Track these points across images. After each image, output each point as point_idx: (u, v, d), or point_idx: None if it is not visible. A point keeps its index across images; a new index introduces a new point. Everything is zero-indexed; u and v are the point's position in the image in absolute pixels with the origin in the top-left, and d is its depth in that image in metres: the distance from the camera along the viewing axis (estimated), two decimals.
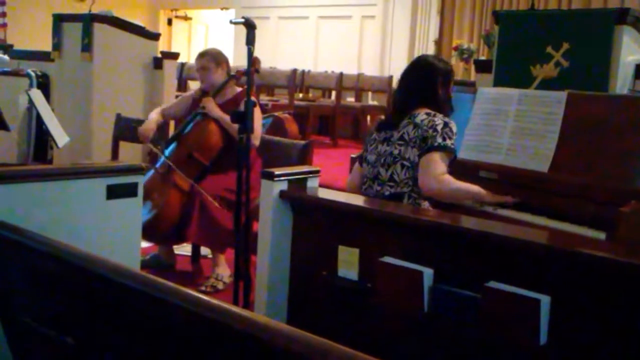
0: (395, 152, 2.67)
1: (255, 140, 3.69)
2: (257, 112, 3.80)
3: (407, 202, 2.63)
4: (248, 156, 2.71)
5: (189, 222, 3.58)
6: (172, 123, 4.48)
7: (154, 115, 4.04)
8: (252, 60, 3.74)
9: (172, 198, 3.62)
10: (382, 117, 2.93)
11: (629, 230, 2.31)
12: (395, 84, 8.77)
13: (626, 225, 2.32)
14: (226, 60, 3.94)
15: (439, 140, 2.59)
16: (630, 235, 2.30)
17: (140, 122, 4.16)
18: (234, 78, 3.85)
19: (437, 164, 2.58)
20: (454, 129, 2.66)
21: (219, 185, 3.66)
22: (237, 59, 9.54)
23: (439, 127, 2.61)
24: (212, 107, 3.75)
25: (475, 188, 2.67)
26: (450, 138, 2.62)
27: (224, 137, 3.74)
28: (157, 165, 3.79)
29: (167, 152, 3.86)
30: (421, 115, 2.67)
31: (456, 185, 2.62)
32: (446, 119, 2.66)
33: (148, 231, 3.66)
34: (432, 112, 2.68)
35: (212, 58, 3.85)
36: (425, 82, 2.76)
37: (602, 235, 2.39)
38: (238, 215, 2.69)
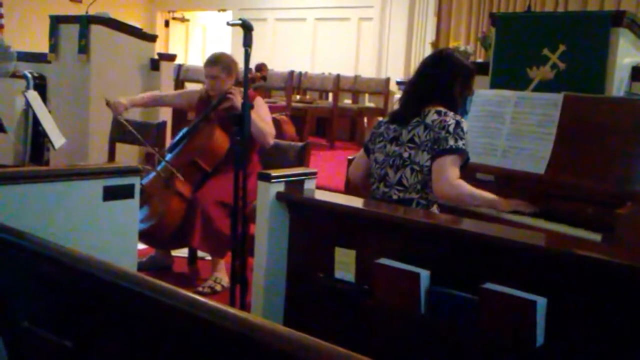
0: (405, 154, 2.58)
1: (269, 138, 3.66)
2: (265, 110, 3.77)
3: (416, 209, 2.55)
4: (247, 158, 2.70)
5: (191, 228, 3.57)
6: (169, 130, 4.45)
7: (140, 95, 4.08)
8: (260, 67, 3.73)
9: (174, 205, 3.60)
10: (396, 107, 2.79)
11: (625, 232, 2.32)
12: (392, 85, 8.77)
13: (622, 227, 2.32)
14: (237, 69, 3.85)
15: (451, 142, 2.50)
16: (627, 237, 2.31)
17: (136, 123, 4.16)
18: (240, 84, 3.77)
19: (450, 168, 2.49)
20: (465, 127, 2.56)
21: (220, 190, 3.62)
22: None
23: (451, 128, 2.52)
24: (239, 100, 3.53)
25: (490, 196, 2.61)
26: (462, 138, 2.52)
27: (228, 143, 3.71)
28: (159, 168, 3.78)
29: (169, 156, 3.84)
30: (431, 115, 2.57)
31: (472, 191, 2.55)
32: (457, 118, 2.57)
33: (149, 238, 3.66)
34: (443, 111, 2.58)
35: (224, 68, 3.75)
36: (445, 78, 2.64)
37: (598, 237, 2.40)
38: (235, 218, 2.69)
